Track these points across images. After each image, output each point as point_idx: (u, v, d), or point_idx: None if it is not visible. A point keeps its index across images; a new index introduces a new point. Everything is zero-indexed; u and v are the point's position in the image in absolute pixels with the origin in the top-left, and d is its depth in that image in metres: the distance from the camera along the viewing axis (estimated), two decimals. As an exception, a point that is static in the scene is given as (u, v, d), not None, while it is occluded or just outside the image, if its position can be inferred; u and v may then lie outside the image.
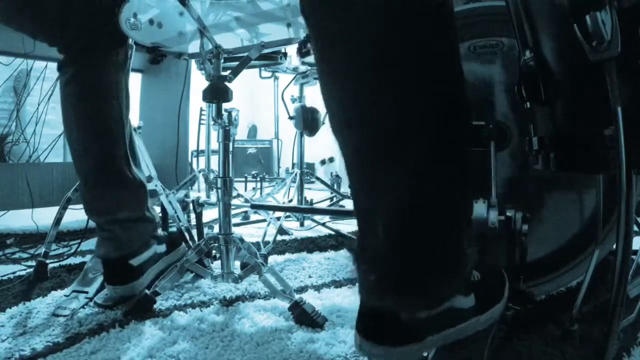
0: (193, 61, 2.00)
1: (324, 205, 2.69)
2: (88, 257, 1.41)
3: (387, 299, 0.58)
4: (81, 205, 1.17)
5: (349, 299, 1.17)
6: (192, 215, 1.60)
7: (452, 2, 0.58)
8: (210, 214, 2.11)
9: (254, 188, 3.32)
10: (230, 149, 1.16)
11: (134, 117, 2.53)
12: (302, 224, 2.28)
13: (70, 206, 1.47)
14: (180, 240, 1.36)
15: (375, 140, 0.56)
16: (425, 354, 0.72)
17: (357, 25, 0.53)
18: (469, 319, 0.63)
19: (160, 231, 1.30)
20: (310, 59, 1.86)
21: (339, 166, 3.85)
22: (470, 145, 1.00)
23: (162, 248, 1.25)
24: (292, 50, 2.00)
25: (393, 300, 0.58)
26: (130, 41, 1.45)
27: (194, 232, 1.50)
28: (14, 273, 1.39)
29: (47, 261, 1.36)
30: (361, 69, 0.54)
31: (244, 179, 3.59)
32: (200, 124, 3.50)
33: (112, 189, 1.12)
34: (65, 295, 1.17)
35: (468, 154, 0.61)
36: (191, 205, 1.58)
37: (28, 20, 1.06)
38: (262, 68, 2.31)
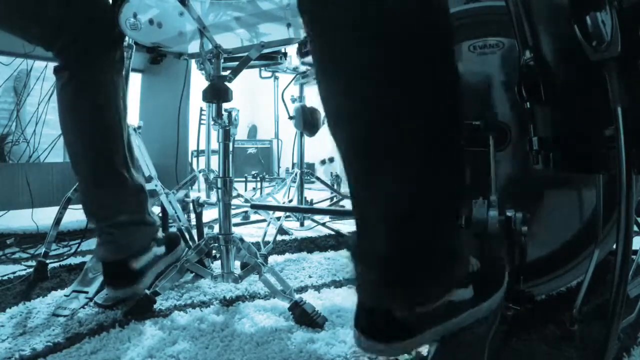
0: (193, 61, 2.00)
1: (324, 205, 2.69)
2: (88, 257, 1.40)
3: (384, 299, 0.59)
4: (81, 205, 1.17)
5: (349, 299, 1.17)
6: (192, 215, 1.60)
7: (447, 4, 0.58)
8: (210, 214, 2.11)
9: (254, 188, 3.32)
10: (230, 149, 1.16)
11: (134, 117, 2.54)
12: (302, 224, 2.28)
13: (70, 206, 1.47)
14: (178, 240, 1.36)
15: (371, 141, 0.56)
16: (425, 354, 0.72)
17: (352, 27, 0.53)
18: (467, 309, 0.63)
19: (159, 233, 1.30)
20: (310, 59, 1.86)
21: (339, 166, 3.85)
22: (470, 145, 1.00)
23: (161, 250, 1.25)
24: (292, 50, 2.00)
25: (391, 300, 0.58)
26: (130, 41, 1.45)
27: (194, 232, 1.50)
28: (14, 273, 1.39)
29: (47, 261, 1.36)
30: (357, 71, 0.55)
31: (244, 179, 3.59)
32: (200, 124, 3.50)
33: (111, 193, 1.12)
34: (65, 295, 1.17)
35: (463, 150, 0.61)
36: (191, 205, 1.58)
37: (23, 24, 1.06)
38: (262, 68, 2.31)
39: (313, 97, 2.20)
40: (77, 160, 1.11)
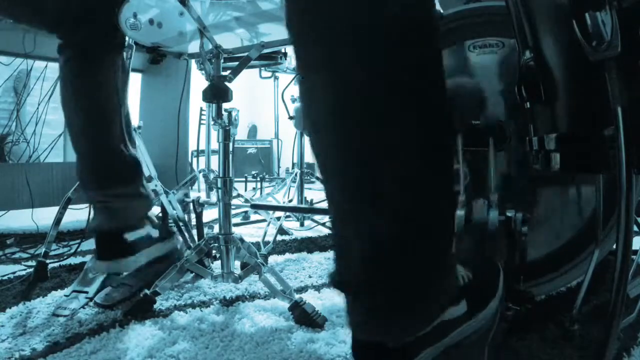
0: (193, 61, 2.00)
1: (324, 205, 2.68)
2: (88, 257, 1.40)
3: (373, 333, 0.57)
4: (81, 205, 1.18)
5: (349, 299, 1.17)
6: (192, 215, 1.60)
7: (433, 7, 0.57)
8: (210, 214, 2.11)
9: (254, 188, 3.32)
10: (230, 149, 1.16)
11: (134, 117, 2.54)
12: (302, 224, 2.28)
13: (70, 206, 1.47)
14: (173, 232, 1.36)
15: (351, 165, 0.54)
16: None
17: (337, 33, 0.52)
18: (462, 325, 0.62)
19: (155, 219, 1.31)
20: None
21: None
22: (470, 145, 1.00)
23: (155, 232, 1.25)
24: (292, 50, 2.00)
25: (380, 333, 0.57)
26: (130, 41, 1.45)
27: (194, 232, 1.50)
28: (14, 273, 1.39)
29: (47, 261, 1.36)
30: (338, 80, 0.52)
31: (244, 179, 3.59)
32: (200, 124, 3.50)
33: (108, 166, 1.14)
34: (65, 295, 1.17)
35: (453, 170, 0.60)
36: (191, 205, 1.58)
37: (27, 11, 1.09)
38: (262, 68, 2.32)
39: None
40: (75, 133, 1.14)
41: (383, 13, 0.50)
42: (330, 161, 0.57)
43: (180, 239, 1.40)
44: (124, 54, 1.21)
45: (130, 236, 1.14)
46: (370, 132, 0.53)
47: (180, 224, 1.54)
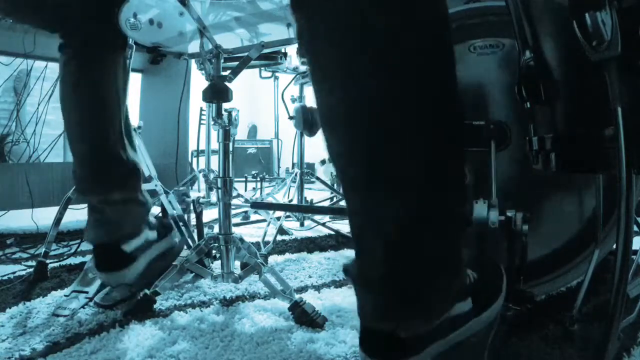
0: (193, 61, 2.00)
1: (323, 205, 2.68)
2: (88, 257, 1.40)
3: (385, 323, 0.58)
4: (81, 205, 1.17)
5: (349, 299, 1.17)
6: (192, 215, 1.60)
7: (447, 14, 0.57)
8: (210, 214, 2.11)
9: (254, 188, 3.32)
10: (230, 149, 1.16)
11: (134, 117, 2.54)
12: (302, 224, 2.28)
13: (70, 206, 1.47)
14: (171, 227, 1.35)
15: (367, 155, 0.55)
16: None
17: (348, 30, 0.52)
18: (467, 322, 0.63)
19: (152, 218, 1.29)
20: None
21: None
22: (471, 145, 1.00)
23: (153, 234, 1.24)
24: (292, 50, 2.01)
25: (392, 324, 0.58)
26: (130, 41, 1.45)
27: (194, 232, 1.50)
28: (14, 273, 1.38)
29: (47, 261, 1.36)
30: (350, 77, 0.53)
31: (244, 179, 3.59)
32: (200, 124, 3.50)
33: (105, 170, 1.12)
34: (65, 295, 1.17)
35: (464, 163, 0.60)
36: (191, 205, 1.58)
37: (28, 11, 1.08)
38: (262, 68, 2.32)
39: (313, 97, 2.20)
40: (73, 135, 1.12)
41: (388, 17, 0.50)
42: (343, 164, 0.58)
43: (178, 232, 1.39)
44: (125, 54, 1.20)
45: (128, 246, 1.12)
46: (383, 143, 0.54)
47: (180, 224, 1.54)
